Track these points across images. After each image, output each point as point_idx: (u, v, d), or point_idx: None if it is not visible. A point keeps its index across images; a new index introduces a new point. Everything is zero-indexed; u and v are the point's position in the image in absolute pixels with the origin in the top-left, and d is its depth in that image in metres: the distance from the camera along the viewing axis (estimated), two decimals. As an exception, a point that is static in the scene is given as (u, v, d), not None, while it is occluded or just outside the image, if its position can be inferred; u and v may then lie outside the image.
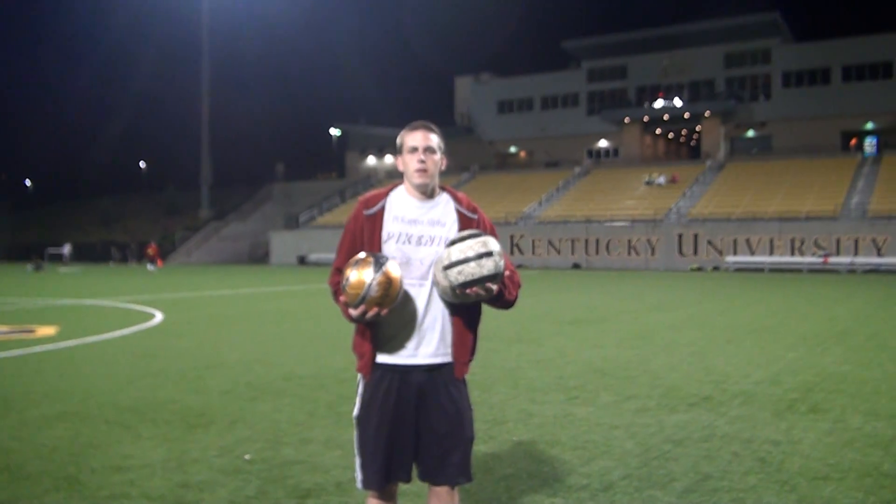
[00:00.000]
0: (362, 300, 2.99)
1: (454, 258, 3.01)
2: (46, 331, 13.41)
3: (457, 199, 3.34)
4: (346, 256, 3.23)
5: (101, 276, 38.78)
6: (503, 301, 3.21)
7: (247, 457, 5.43)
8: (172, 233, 70.45)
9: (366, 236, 3.23)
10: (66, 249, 61.25)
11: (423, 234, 3.23)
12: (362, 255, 3.08)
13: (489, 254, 3.02)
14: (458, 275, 3.00)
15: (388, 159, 78.57)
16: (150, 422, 6.49)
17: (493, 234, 3.27)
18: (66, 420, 6.56)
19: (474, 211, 3.33)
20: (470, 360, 3.31)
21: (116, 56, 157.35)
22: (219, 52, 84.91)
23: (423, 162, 3.22)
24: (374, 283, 2.96)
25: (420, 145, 3.24)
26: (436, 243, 3.21)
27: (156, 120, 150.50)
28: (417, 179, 3.23)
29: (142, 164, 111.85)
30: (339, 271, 3.21)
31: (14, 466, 5.22)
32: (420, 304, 3.21)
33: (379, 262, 3.00)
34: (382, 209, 3.25)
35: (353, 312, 3.05)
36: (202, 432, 6.14)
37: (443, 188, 3.36)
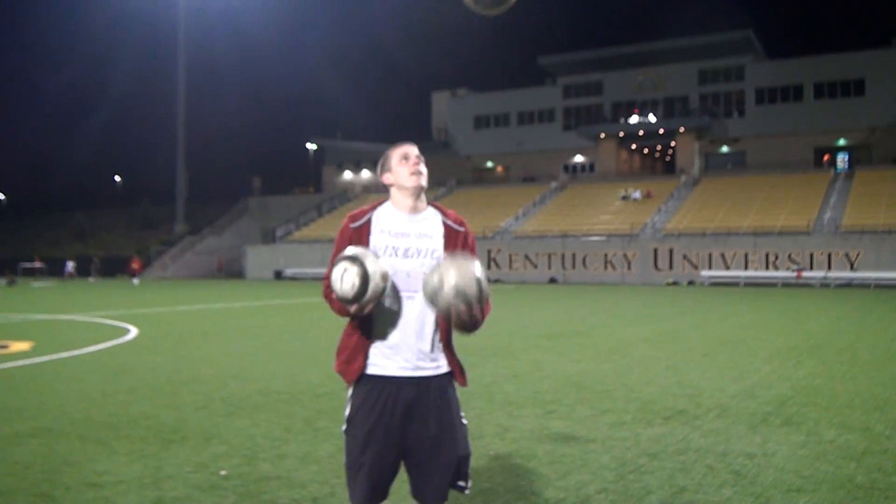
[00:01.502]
0: (355, 299, 2.99)
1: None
2: (20, 346, 13.28)
3: (444, 213, 3.36)
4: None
5: (75, 291, 38.46)
6: (474, 327, 3.16)
7: (223, 472, 5.40)
8: (147, 247, 70.03)
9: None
10: (70, 266, 60.31)
11: (409, 247, 3.23)
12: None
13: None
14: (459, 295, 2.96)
15: (365, 174, 78.55)
16: (125, 438, 6.44)
17: (473, 249, 3.31)
18: (39, 436, 6.51)
19: (461, 224, 3.35)
20: (461, 368, 3.36)
21: (91, 70, 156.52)
22: (195, 65, 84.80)
23: (417, 165, 3.27)
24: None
25: (411, 153, 3.30)
26: (423, 255, 3.22)
27: (131, 133, 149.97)
28: (413, 182, 3.25)
29: (116, 178, 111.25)
30: (328, 281, 3.22)
31: (-14, 483, 5.18)
32: (409, 316, 3.20)
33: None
34: (369, 222, 3.27)
35: (352, 309, 3.05)
36: (177, 448, 6.10)
37: (429, 203, 3.38)
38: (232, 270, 65.40)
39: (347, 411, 3.26)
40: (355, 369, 3.22)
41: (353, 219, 3.29)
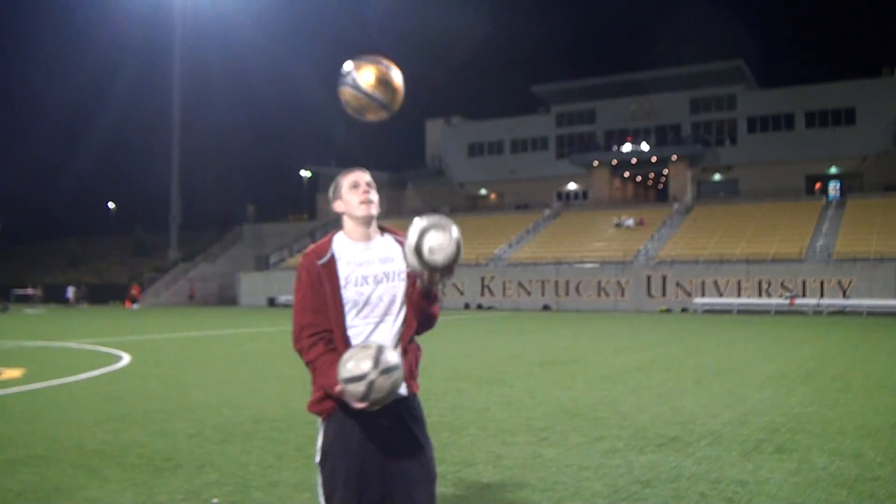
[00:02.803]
0: (364, 398, 2.93)
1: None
2: (12, 373, 13.23)
3: (393, 233, 3.36)
4: (311, 311, 3.20)
5: (67, 318, 38.34)
6: (431, 310, 3.20)
7: (215, 501, 5.39)
8: (140, 273, 69.89)
9: (325, 285, 3.18)
10: (71, 292, 60.17)
11: (377, 273, 3.21)
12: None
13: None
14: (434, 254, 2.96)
15: (359, 201, 78.37)
16: (117, 465, 6.43)
17: None
18: (31, 464, 6.48)
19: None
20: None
21: (85, 97, 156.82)
22: (190, 92, 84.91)
23: (367, 193, 3.24)
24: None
25: (361, 180, 3.27)
26: (390, 279, 3.21)
27: (125, 160, 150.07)
28: (363, 212, 3.23)
29: (110, 205, 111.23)
30: (307, 331, 3.19)
31: (-22, 511, 5.17)
32: (383, 340, 3.17)
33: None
34: (333, 256, 3.23)
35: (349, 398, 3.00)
36: (169, 476, 6.08)
37: (382, 229, 3.38)
38: (226, 297, 65.33)
39: (320, 442, 3.21)
40: (331, 403, 3.17)
41: (318, 255, 3.23)
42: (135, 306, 49.39)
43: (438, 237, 2.95)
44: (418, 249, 2.96)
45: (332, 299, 3.18)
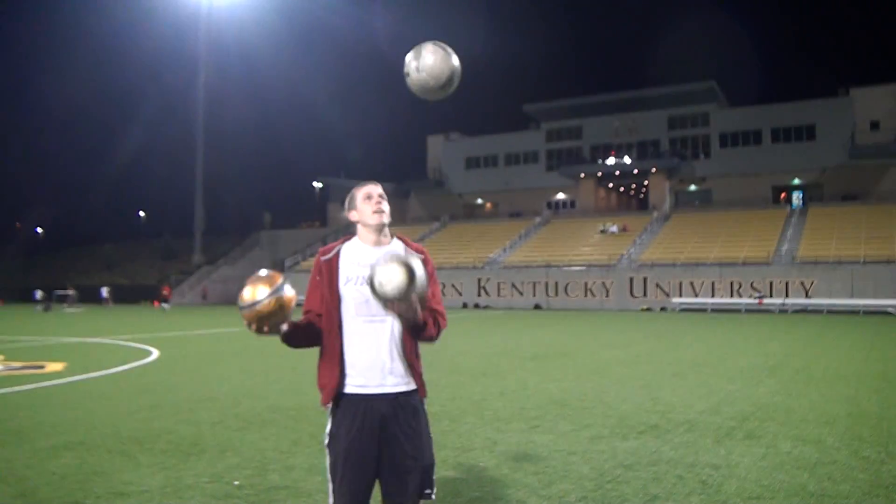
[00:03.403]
0: (249, 308, 3.12)
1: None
2: (55, 367, 13.26)
3: (406, 243, 3.37)
4: (311, 298, 3.35)
5: (102, 316, 38.34)
6: (426, 333, 3.20)
7: (236, 483, 5.41)
8: (168, 276, 69.85)
9: (325, 280, 3.27)
10: (105, 293, 60.20)
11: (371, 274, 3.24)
12: (263, 272, 3.19)
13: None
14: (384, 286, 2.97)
15: (367, 210, 78.28)
16: (148, 450, 6.45)
17: (433, 274, 3.28)
18: (72, 449, 6.51)
19: (421, 252, 3.33)
20: (423, 383, 3.34)
21: (117, 114, 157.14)
22: (213, 110, 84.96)
23: (379, 203, 3.30)
24: (265, 300, 3.11)
25: (374, 192, 3.32)
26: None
27: (153, 173, 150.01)
28: (375, 220, 3.27)
29: (141, 213, 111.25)
30: (303, 311, 3.35)
31: (27, 492, 5.18)
32: (382, 338, 3.21)
33: (277, 288, 3.12)
34: (337, 255, 3.30)
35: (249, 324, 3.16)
36: (195, 460, 6.10)
37: (395, 236, 3.40)
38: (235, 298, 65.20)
39: (329, 428, 3.27)
40: (331, 392, 3.24)
41: (324, 253, 3.33)
42: (166, 305, 49.64)
43: (387, 271, 2.92)
44: (370, 283, 2.97)
45: (329, 294, 3.25)
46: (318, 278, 3.31)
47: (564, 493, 5.12)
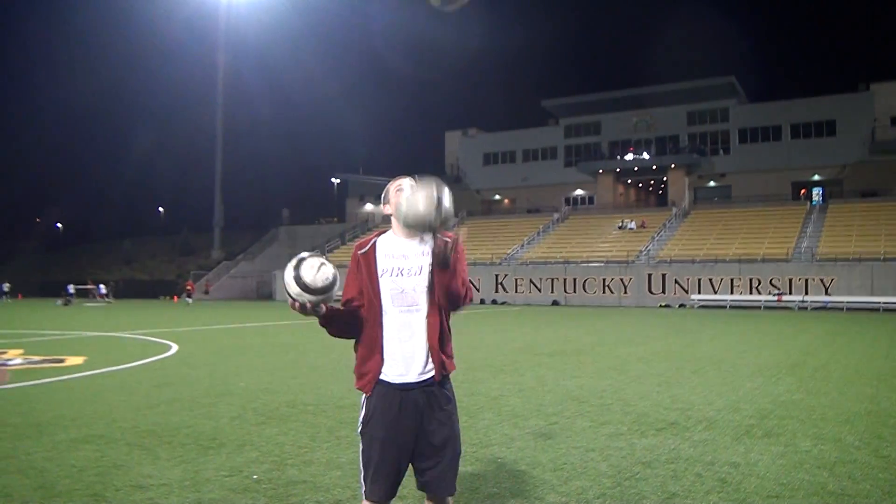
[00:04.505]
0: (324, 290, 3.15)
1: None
2: (75, 360, 13.35)
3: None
4: (349, 289, 3.37)
5: (122, 311, 38.60)
6: (454, 283, 3.22)
7: (255, 477, 5.42)
8: (187, 271, 70.27)
9: (363, 271, 3.31)
10: (103, 289, 60.77)
11: (412, 266, 3.28)
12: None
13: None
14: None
15: (385, 206, 78.39)
16: (167, 444, 6.48)
17: (461, 252, 3.30)
18: (92, 442, 6.55)
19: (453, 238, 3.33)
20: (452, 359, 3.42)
21: (138, 113, 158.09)
22: (231, 107, 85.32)
23: None
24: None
25: (406, 187, 3.32)
26: (423, 272, 3.26)
27: (173, 169, 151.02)
28: None
29: (160, 209, 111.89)
30: (342, 301, 3.37)
31: (47, 485, 5.21)
32: (416, 328, 3.26)
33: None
34: (374, 247, 3.35)
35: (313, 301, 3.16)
36: (214, 454, 6.12)
37: None
38: (264, 292, 65.59)
39: (362, 415, 3.33)
40: (370, 380, 3.29)
41: (360, 246, 3.38)
42: (189, 300, 50.35)
43: (418, 196, 3.08)
44: (403, 210, 3.13)
45: (369, 286, 3.29)
46: (356, 271, 3.35)
47: (582, 490, 5.10)
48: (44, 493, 5.03)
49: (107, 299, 58.74)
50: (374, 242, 3.37)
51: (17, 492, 5.03)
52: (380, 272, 3.29)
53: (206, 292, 63.75)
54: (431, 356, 3.27)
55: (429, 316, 3.27)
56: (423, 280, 3.26)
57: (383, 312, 3.28)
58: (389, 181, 3.45)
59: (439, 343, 3.28)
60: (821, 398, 9.11)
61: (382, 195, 3.47)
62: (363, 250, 3.35)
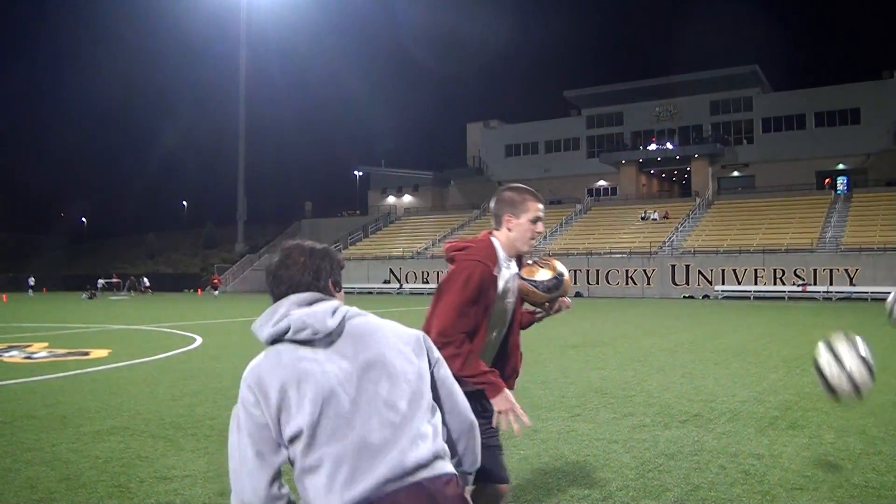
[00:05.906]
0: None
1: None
2: (100, 353, 13.48)
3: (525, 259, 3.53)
4: (464, 313, 3.05)
5: (146, 304, 38.92)
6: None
7: (278, 468, 5.43)
8: (211, 265, 70.75)
9: (490, 293, 3.13)
10: (146, 281, 61.65)
11: (513, 287, 3.31)
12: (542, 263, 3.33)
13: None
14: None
15: (407, 198, 78.72)
16: (191, 436, 6.52)
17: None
18: (117, 434, 6.60)
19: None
20: None
21: (162, 108, 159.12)
22: (254, 101, 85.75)
23: (540, 233, 3.33)
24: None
25: (542, 217, 3.28)
26: (513, 293, 3.32)
27: (196, 163, 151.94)
28: (529, 247, 3.29)
29: (184, 203, 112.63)
30: (463, 337, 3.05)
31: (72, 476, 5.26)
32: (507, 343, 3.45)
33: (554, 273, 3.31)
34: (500, 266, 3.22)
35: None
36: (238, 446, 6.14)
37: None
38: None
39: None
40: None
41: (493, 262, 3.14)
42: (215, 293, 51.26)
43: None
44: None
45: (483, 306, 3.11)
46: (485, 291, 3.10)
47: (605, 481, 5.08)
48: (68, 484, 5.08)
49: (149, 291, 59.65)
50: (499, 262, 3.21)
51: (43, 483, 5.09)
52: (500, 294, 3.26)
53: (214, 288, 64.41)
54: (510, 366, 3.56)
55: (509, 335, 3.49)
56: (515, 302, 3.42)
57: (485, 331, 3.43)
58: (527, 192, 3.26)
59: (513, 360, 3.58)
60: (846, 389, 9.01)
61: (512, 201, 3.23)
62: (496, 269, 3.17)
